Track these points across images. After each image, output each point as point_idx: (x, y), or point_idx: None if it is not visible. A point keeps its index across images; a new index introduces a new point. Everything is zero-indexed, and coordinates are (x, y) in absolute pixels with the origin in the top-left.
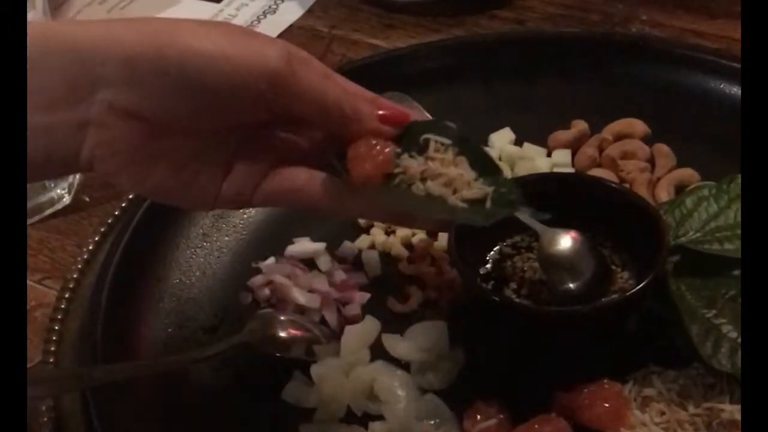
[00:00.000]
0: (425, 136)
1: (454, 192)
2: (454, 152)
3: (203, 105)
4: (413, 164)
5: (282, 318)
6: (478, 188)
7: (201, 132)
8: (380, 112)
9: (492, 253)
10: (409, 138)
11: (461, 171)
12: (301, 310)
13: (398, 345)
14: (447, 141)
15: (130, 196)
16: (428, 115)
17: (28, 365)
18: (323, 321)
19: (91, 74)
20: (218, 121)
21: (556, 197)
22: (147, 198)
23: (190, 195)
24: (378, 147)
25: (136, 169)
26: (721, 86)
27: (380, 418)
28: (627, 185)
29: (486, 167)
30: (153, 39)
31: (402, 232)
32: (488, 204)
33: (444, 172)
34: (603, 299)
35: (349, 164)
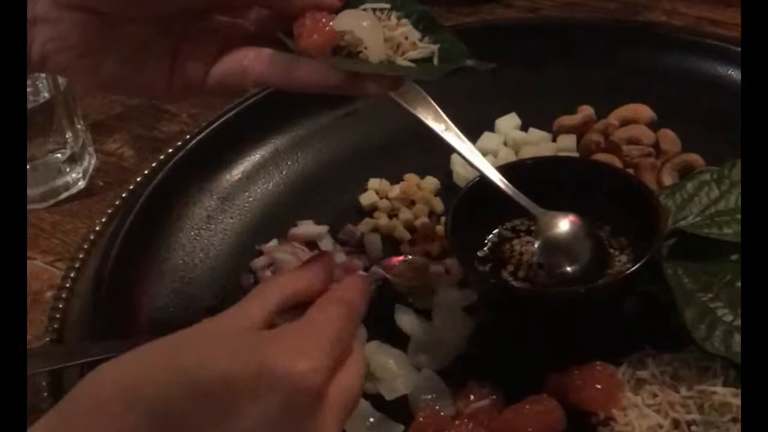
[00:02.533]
0: (364, 6)
1: (402, 54)
2: (396, 16)
3: None
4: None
5: None
6: (424, 47)
7: (146, 20)
8: None
9: (490, 236)
10: (351, 8)
11: (406, 33)
12: None
13: (405, 317)
14: (386, 6)
15: (138, 179)
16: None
17: (36, 344)
18: None
19: None
20: (160, 8)
21: (555, 180)
22: (101, 92)
23: (141, 84)
24: (324, 19)
25: (86, 62)
26: (728, 72)
27: (378, 397)
28: (631, 170)
29: (429, 26)
30: None
31: (405, 215)
32: (435, 61)
33: (389, 35)
34: (598, 281)
35: (296, 38)
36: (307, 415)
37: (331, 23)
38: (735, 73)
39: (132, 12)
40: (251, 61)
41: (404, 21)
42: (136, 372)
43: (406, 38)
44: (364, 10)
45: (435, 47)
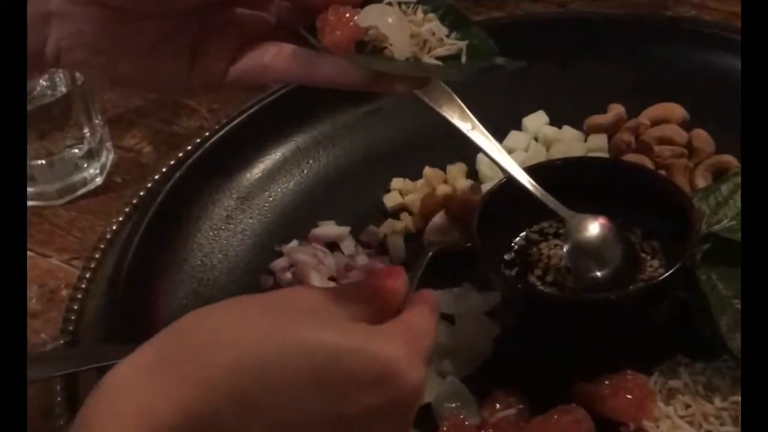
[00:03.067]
0: (388, 0)
1: (429, 51)
2: (423, 11)
3: None
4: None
5: None
6: (451, 44)
7: (163, 15)
8: None
9: (517, 239)
10: (375, 2)
11: (432, 28)
12: None
13: None
14: (412, 0)
15: (156, 177)
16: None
17: (49, 345)
18: None
19: None
20: (178, 1)
21: (585, 182)
22: (118, 86)
23: (159, 81)
24: (347, 14)
25: (102, 58)
26: None
27: None
28: (663, 171)
29: (456, 21)
30: None
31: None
32: (463, 58)
33: (415, 31)
34: (630, 287)
35: (318, 34)
36: (407, 413)
37: (355, 18)
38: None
39: (149, 7)
40: (272, 57)
41: (431, 16)
42: (240, 325)
43: (433, 34)
44: (389, 4)
45: (463, 44)
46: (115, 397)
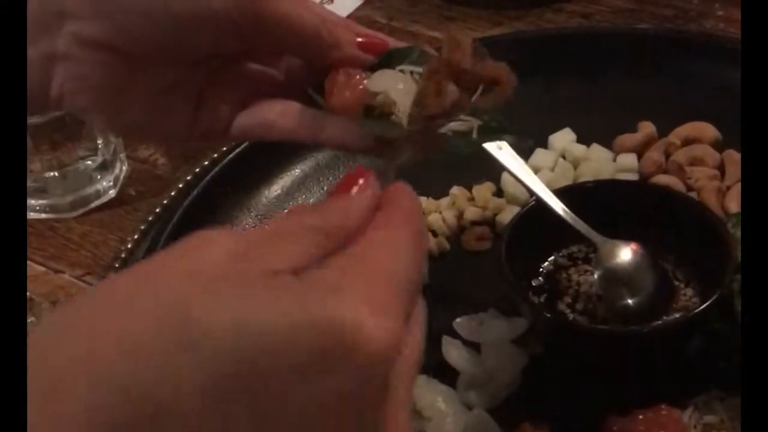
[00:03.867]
0: (400, 67)
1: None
2: None
3: (171, 33)
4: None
5: None
6: (465, 119)
7: (172, 64)
8: (359, 39)
9: (546, 263)
10: (387, 67)
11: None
12: None
13: (453, 350)
14: (421, 70)
15: (173, 193)
16: None
17: None
18: None
19: (57, 5)
20: (188, 50)
21: (616, 205)
22: (120, 136)
23: (163, 129)
24: (357, 76)
25: (107, 104)
26: None
27: None
28: (694, 194)
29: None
30: None
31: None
32: (474, 134)
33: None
34: (663, 319)
35: (327, 94)
36: (376, 398)
37: (364, 81)
38: None
39: (160, 55)
40: (278, 115)
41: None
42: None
43: None
44: (401, 71)
45: (476, 122)
46: None
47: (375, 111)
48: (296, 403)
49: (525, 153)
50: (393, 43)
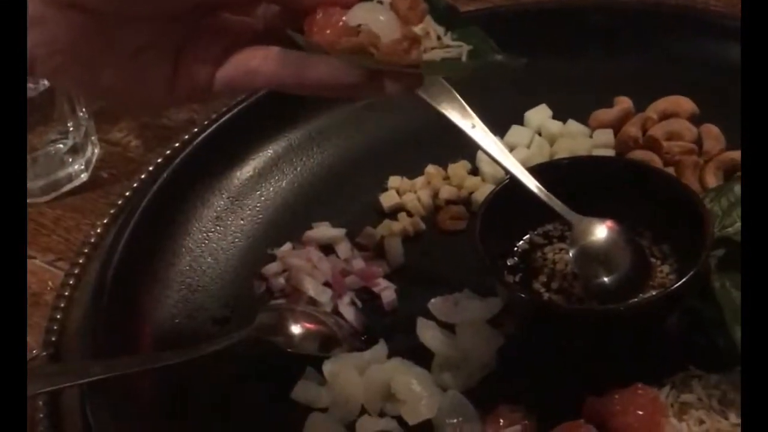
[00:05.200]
0: None
1: (424, 51)
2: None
3: None
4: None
5: (296, 310)
6: (456, 45)
7: (145, 21)
8: None
9: (521, 242)
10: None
11: (426, 27)
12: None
13: (428, 331)
14: None
15: (142, 176)
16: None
17: (30, 356)
18: None
19: None
20: (163, 3)
21: (592, 182)
22: (97, 100)
23: (142, 92)
24: (336, 15)
25: (80, 68)
26: None
27: (397, 419)
28: (671, 169)
29: (453, 20)
30: None
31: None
32: (464, 58)
33: (407, 30)
34: (639, 297)
35: (306, 35)
36: None
37: (343, 18)
38: None
39: (131, 10)
40: (260, 62)
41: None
42: None
43: (428, 33)
44: (380, 2)
45: (466, 47)
46: None
47: (358, 48)
48: None
49: (502, 127)
50: None
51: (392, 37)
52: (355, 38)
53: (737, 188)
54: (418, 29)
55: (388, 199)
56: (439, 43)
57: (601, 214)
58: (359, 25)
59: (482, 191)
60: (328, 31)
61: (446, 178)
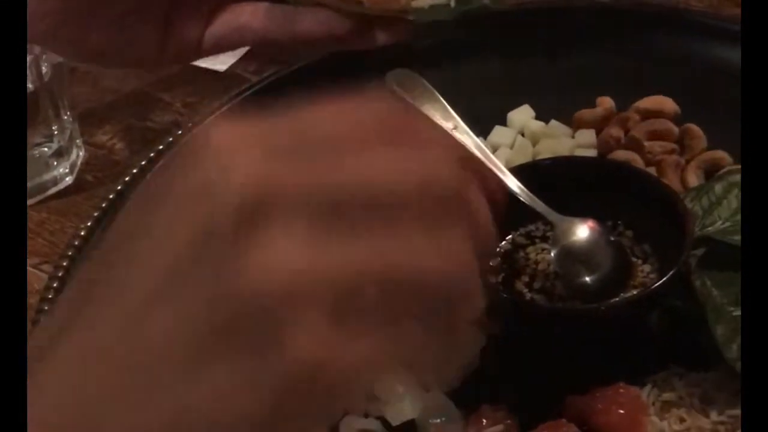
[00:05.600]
0: None
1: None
2: None
3: None
4: None
5: None
6: None
7: None
8: None
9: (503, 243)
10: None
11: None
12: None
13: None
14: None
15: (126, 179)
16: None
17: None
18: None
19: None
20: None
21: (574, 182)
22: (87, 63)
23: (132, 53)
24: None
25: (68, 30)
26: None
27: (381, 419)
28: (653, 168)
29: None
30: None
31: None
32: (452, 3)
33: None
34: (620, 296)
35: None
36: (249, 212)
37: None
38: None
39: None
40: (249, 17)
41: None
42: None
43: None
44: None
45: None
46: None
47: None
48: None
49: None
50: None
51: None
52: None
53: (718, 187)
54: None
55: None
56: None
57: (583, 214)
58: None
59: None
60: None
61: None
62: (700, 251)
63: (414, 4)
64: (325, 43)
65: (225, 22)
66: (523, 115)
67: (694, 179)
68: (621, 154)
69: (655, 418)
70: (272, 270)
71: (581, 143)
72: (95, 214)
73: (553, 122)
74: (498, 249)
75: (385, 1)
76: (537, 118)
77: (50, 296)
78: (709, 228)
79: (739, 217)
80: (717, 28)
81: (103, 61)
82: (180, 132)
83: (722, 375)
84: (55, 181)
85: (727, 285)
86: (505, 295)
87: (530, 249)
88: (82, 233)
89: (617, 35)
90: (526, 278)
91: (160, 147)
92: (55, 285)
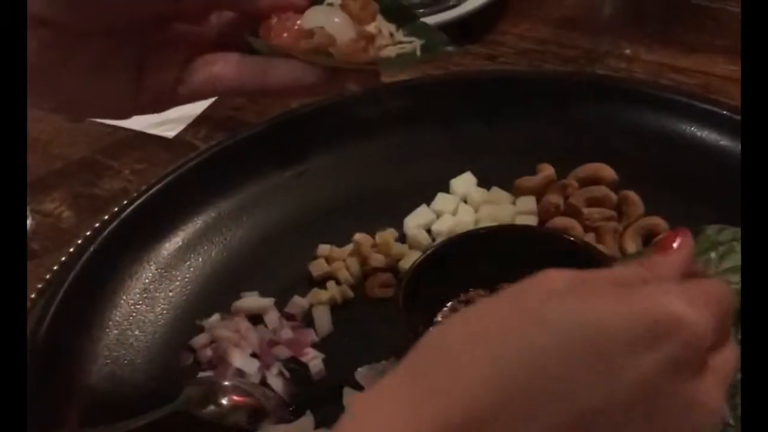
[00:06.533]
0: (329, 0)
1: (378, 48)
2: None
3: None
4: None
5: (224, 383)
6: (408, 40)
7: (104, 32)
8: None
9: (445, 310)
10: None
11: (379, 26)
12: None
13: None
14: None
15: (71, 250)
16: None
17: None
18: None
19: None
20: (123, 14)
21: (508, 252)
22: (62, 114)
23: (106, 102)
24: (291, 19)
25: (42, 81)
26: (692, 130)
27: None
28: (592, 235)
29: (402, 17)
30: None
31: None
32: (418, 53)
33: (361, 30)
34: None
35: (264, 40)
36: (694, 372)
37: (299, 21)
38: (696, 130)
39: (92, 22)
40: (221, 68)
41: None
42: (487, 323)
43: (380, 31)
44: (330, 4)
45: (418, 42)
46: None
47: (314, 50)
48: (630, 375)
49: (428, 194)
50: None
51: (348, 37)
52: (312, 40)
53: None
54: (371, 28)
55: (317, 268)
56: (392, 40)
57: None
58: (314, 28)
59: (409, 258)
60: (285, 35)
61: (375, 246)
62: None
63: (381, 54)
64: (297, 92)
65: (198, 72)
66: (465, 182)
67: (631, 245)
68: (560, 221)
69: None
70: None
71: (522, 210)
72: (38, 286)
73: (495, 189)
74: (440, 317)
75: (354, 53)
76: (479, 185)
77: None
78: None
79: None
80: (654, 97)
81: (75, 111)
82: (125, 202)
83: None
84: None
85: None
86: None
87: None
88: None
89: (557, 104)
90: None
91: (105, 217)
92: None
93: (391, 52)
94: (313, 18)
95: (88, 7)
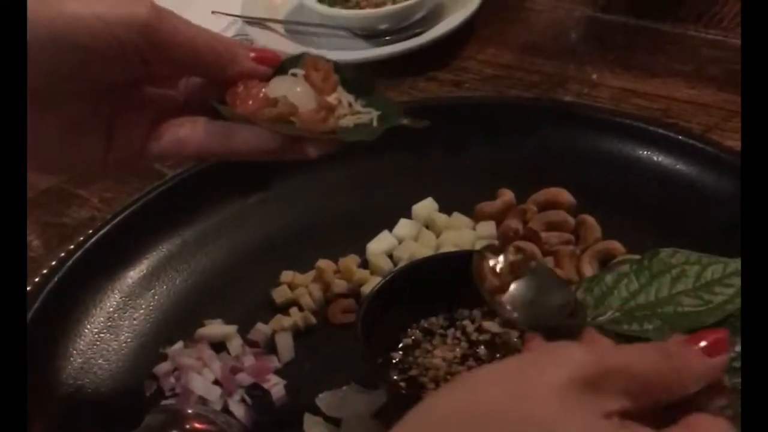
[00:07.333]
0: (293, 71)
1: (338, 117)
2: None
3: (81, 64)
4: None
5: (185, 410)
6: (365, 111)
7: (76, 96)
8: (252, 54)
9: (405, 337)
10: (281, 74)
11: (339, 96)
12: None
13: (315, 427)
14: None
15: (36, 279)
16: None
17: None
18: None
19: None
20: (98, 79)
21: (470, 277)
22: (38, 173)
23: (77, 162)
24: (256, 87)
25: None
26: (649, 155)
27: None
28: (551, 258)
29: (362, 88)
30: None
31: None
32: (375, 123)
33: (322, 100)
34: None
35: (230, 107)
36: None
37: (264, 90)
38: (653, 155)
39: (69, 87)
40: (188, 132)
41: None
42: (479, 398)
43: (340, 102)
44: (294, 75)
45: (375, 113)
46: None
47: (277, 117)
48: None
49: (390, 220)
50: (284, 54)
51: (309, 106)
52: (275, 109)
53: (608, 278)
54: (331, 98)
55: (280, 294)
56: (350, 110)
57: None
58: (278, 97)
59: (371, 284)
60: (250, 102)
61: (337, 272)
62: None
63: (340, 123)
64: (260, 156)
65: (165, 135)
66: (427, 208)
67: (588, 269)
68: (520, 245)
69: None
70: None
71: (482, 235)
72: None
73: (456, 214)
74: (400, 343)
75: (314, 122)
76: (440, 210)
77: None
78: (600, 318)
79: (628, 305)
80: (612, 122)
81: (49, 170)
82: (90, 231)
83: None
84: None
85: None
86: (403, 392)
87: (436, 340)
88: None
89: (519, 130)
90: (432, 373)
91: (71, 246)
92: None
93: (349, 121)
94: (278, 87)
95: (67, 72)
